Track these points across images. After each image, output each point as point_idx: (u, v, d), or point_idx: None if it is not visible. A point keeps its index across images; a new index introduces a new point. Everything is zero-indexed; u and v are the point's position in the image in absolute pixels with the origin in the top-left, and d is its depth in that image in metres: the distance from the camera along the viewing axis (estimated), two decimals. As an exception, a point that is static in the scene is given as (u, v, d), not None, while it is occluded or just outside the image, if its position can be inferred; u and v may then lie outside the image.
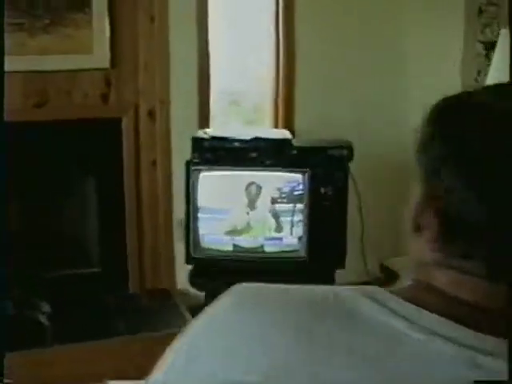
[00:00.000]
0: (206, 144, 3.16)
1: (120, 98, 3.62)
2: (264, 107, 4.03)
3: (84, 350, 3.24)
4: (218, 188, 3.17)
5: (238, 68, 4.06)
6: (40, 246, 3.65)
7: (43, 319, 3.31)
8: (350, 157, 3.11)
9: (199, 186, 3.12)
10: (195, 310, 3.63)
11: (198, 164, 3.14)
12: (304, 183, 3.11)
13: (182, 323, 3.46)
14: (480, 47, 3.61)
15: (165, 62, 3.65)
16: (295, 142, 3.19)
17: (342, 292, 0.86)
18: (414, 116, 4.64)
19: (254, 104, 4.13)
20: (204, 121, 3.78)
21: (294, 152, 3.14)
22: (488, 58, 3.57)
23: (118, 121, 3.65)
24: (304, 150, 3.16)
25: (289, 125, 3.91)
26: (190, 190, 3.13)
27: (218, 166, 3.15)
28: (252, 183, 3.14)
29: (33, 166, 3.52)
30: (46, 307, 3.37)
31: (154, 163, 3.74)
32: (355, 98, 4.07)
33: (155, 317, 3.53)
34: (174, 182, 3.79)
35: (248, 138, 3.15)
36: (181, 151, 3.77)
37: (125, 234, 3.75)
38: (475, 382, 0.77)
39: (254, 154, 3.12)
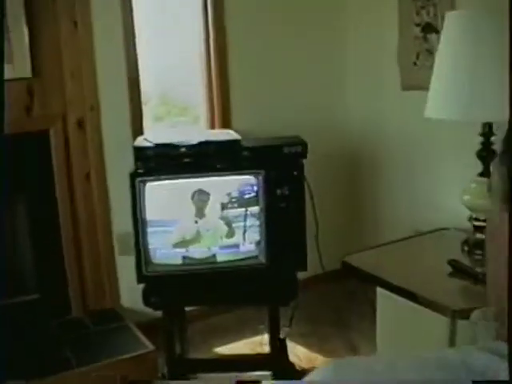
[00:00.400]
0: (150, 152, 2.94)
1: (45, 108, 3.34)
2: (198, 109, 3.84)
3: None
4: (165, 198, 2.95)
5: (168, 69, 3.84)
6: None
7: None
8: (305, 154, 2.97)
9: (146, 198, 2.91)
10: (146, 329, 3.44)
11: (142, 175, 2.91)
12: (258, 185, 2.94)
13: (136, 345, 3.26)
14: (417, 30, 3.55)
15: (91, 67, 3.42)
16: (244, 143, 3.02)
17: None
18: (352, 108, 4.62)
19: (187, 106, 3.94)
20: (137, 127, 3.56)
21: (246, 153, 2.97)
22: (425, 39, 3.51)
23: (45, 133, 3.38)
24: (256, 150, 2.98)
25: (226, 126, 3.75)
26: (137, 204, 2.91)
27: (164, 175, 2.93)
28: (198, 190, 2.94)
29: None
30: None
31: (87, 176, 3.48)
32: (292, 94, 3.97)
33: (107, 341, 3.29)
34: (110, 194, 3.57)
35: (194, 142, 2.95)
36: (115, 161, 3.56)
37: (62, 254, 3.49)
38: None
39: (202, 160, 2.93)
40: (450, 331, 2.84)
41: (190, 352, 3.33)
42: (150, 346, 3.21)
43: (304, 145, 2.95)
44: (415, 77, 3.59)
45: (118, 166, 3.54)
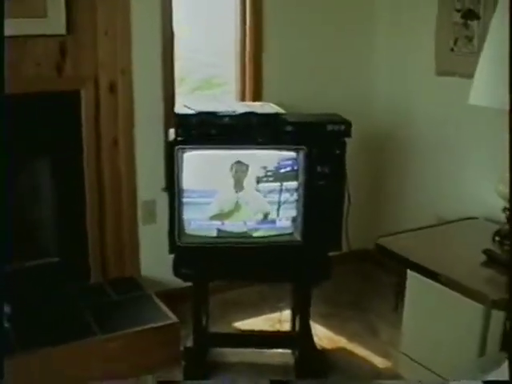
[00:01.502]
0: (192, 120, 2.86)
1: (77, 69, 3.24)
2: (229, 80, 3.77)
3: (55, 356, 2.90)
4: (204, 168, 2.88)
5: (203, 38, 3.75)
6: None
7: (5, 323, 2.93)
8: (348, 133, 2.93)
9: (184, 167, 2.84)
10: (165, 299, 3.39)
11: (182, 143, 2.84)
12: (298, 161, 2.89)
13: (159, 316, 3.21)
14: (457, 16, 3.50)
15: (126, 26, 3.31)
16: (288, 117, 2.96)
17: None
18: (381, 88, 4.57)
19: (219, 76, 3.86)
20: (169, 95, 3.48)
21: (289, 128, 2.91)
22: (465, 26, 3.47)
23: (76, 94, 3.28)
24: (299, 125, 2.92)
25: (256, 99, 3.69)
26: (175, 172, 2.84)
27: (205, 144, 2.87)
28: (237, 162, 2.88)
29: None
30: (7, 308, 2.99)
31: (115, 141, 3.40)
32: (321, 72, 3.92)
33: (129, 310, 3.23)
34: (137, 161, 3.49)
35: (238, 112, 2.89)
36: (145, 128, 3.48)
37: (84, 219, 3.41)
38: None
39: (244, 131, 2.87)
40: (484, 320, 2.85)
41: (210, 326, 3.29)
42: (174, 318, 3.17)
43: (348, 124, 2.89)
44: (451, 63, 3.55)
45: (147, 132, 3.48)
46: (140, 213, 3.54)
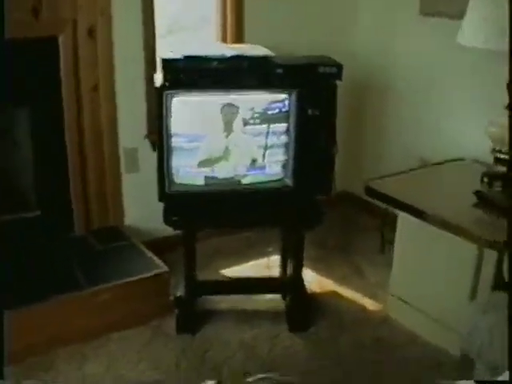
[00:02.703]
0: (180, 65, 2.76)
1: (54, 11, 3.08)
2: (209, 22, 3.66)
3: (43, 311, 2.83)
4: (193, 113, 2.79)
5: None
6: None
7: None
8: (339, 75, 2.87)
9: (173, 113, 2.75)
10: (154, 247, 3.34)
11: (170, 88, 2.75)
12: (290, 103, 2.83)
13: (148, 265, 3.17)
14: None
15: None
16: (278, 60, 2.89)
17: None
18: (364, 29, 4.48)
19: (199, 19, 3.74)
20: (150, 38, 3.36)
21: (279, 70, 2.83)
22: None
23: (53, 40, 3.14)
24: (290, 67, 2.84)
25: (238, 41, 3.59)
26: (163, 118, 2.75)
27: (194, 89, 2.77)
28: (228, 104, 2.81)
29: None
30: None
31: (95, 87, 3.27)
32: (303, 13, 3.82)
33: (116, 261, 3.18)
34: (118, 107, 3.38)
35: (227, 56, 2.80)
36: (125, 73, 3.36)
37: (65, 170, 3.31)
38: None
39: (234, 75, 2.79)
40: (477, 260, 2.88)
41: (197, 274, 3.26)
42: (164, 267, 3.13)
43: (339, 66, 2.84)
44: (436, 3, 3.51)
45: (128, 78, 3.37)
46: (122, 161, 3.45)
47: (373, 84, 3.99)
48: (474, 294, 2.83)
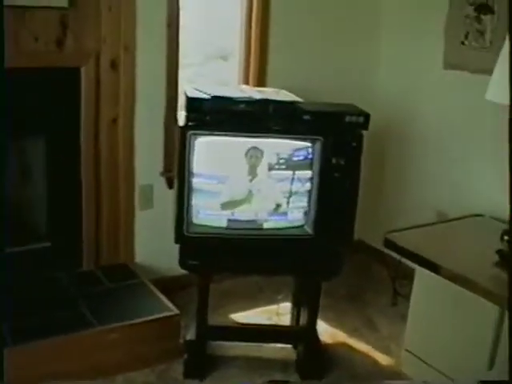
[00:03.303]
0: (206, 105, 2.73)
1: (78, 43, 3.05)
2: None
3: (48, 348, 2.74)
4: (216, 155, 2.76)
5: (209, 19, 3.60)
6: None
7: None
8: (366, 125, 2.84)
9: (195, 153, 2.70)
10: (162, 287, 3.26)
11: (195, 128, 2.70)
12: (314, 151, 2.79)
13: (158, 307, 3.08)
14: (469, 9, 3.43)
15: (131, 2, 3.14)
16: (304, 106, 2.86)
17: None
18: (386, 80, 4.46)
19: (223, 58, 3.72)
20: (172, 76, 3.32)
21: (306, 117, 2.80)
22: (478, 20, 3.41)
23: (76, 71, 3.10)
24: (316, 114, 2.81)
25: (260, 84, 3.56)
26: (185, 158, 2.70)
27: (219, 130, 2.73)
28: (253, 147, 2.77)
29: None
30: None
31: (114, 121, 3.23)
32: (327, 61, 3.83)
33: (125, 300, 3.10)
34: (136, 143, 3.33)
35: (255, 99, 2.76)
36: (145, 109, 3.32)
37: (79, 203, 3.24)
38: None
39: (259, 119, 2.74)
40: (498, 322, 2.81)
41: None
42: (174, 309, 3.04)
43: (366, 116, 2.80)
44: (461, 56, 3.49)
45: (147, 113, 3.32)
46: (137, 197, 3.39)
47: (393, 135, 3.96)
48: (493, 357, 2.77)
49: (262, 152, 2.76)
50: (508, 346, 2.10)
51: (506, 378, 2.38)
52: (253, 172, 2.78)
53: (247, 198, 2.82)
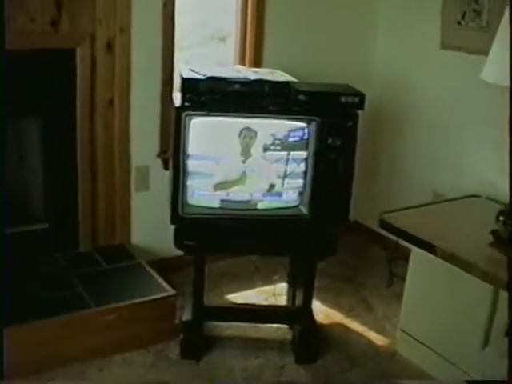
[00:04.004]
0: (201, 85, 2.72)
1: (73, 25, 3.03)
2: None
3: (45, 329, 2.76)
4: (211, 136, 2.75)
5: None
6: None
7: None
8: (362, 105, 2.83)
9: (191, 134, 2.70)
10: (159, 267, 3.27)
11: (190, 108, 2.70)
12: (309, 132, 2.79)
13: (155, 287, 3.09)
14: (467, -12, 3.42)
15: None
16: (299, 86, 2.85)
17: None
18: (382, 59, 4.42)
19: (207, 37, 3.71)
20: (168, 56, 3.31)
21: (301, 97, 2.79)
22: (475, 0, 3.39)
23: (71, 52, 3.09)
24: (312, 95, 2.80)
25: (256, 63, 3.56)
26: (180, 139, 2.70)
27: (214, 111, 2.72)
28: (246, 128, 2.76)
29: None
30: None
31: (110, 102, 3.23)
32: (323, 40, 3.81)
33: (122, 280, 3.11)
34: (131, 124, 3.33)
35: (250, 79, 2.76)
36: (141, 90, 3.31)
37: (75, 184, 3.24)
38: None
39: (254, 99, 2.73)
40: (492, 302, 2.83)
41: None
42: (170, 290, 3.06)
43: (362, 96, 2.80)
44: (457, 37, 3.48)
45: (144, 95, 3.32)
46: (133, 179, 3.39)
47: (389, 115, 3.96)
48: (487, 336, 2.78)
49: (255, 132, 2.76)
50: (508, 346, 2.11)
51: (499, 356, 2.40)
52: (246, 153, 2.78)
53: (241, 179, 2.82)
